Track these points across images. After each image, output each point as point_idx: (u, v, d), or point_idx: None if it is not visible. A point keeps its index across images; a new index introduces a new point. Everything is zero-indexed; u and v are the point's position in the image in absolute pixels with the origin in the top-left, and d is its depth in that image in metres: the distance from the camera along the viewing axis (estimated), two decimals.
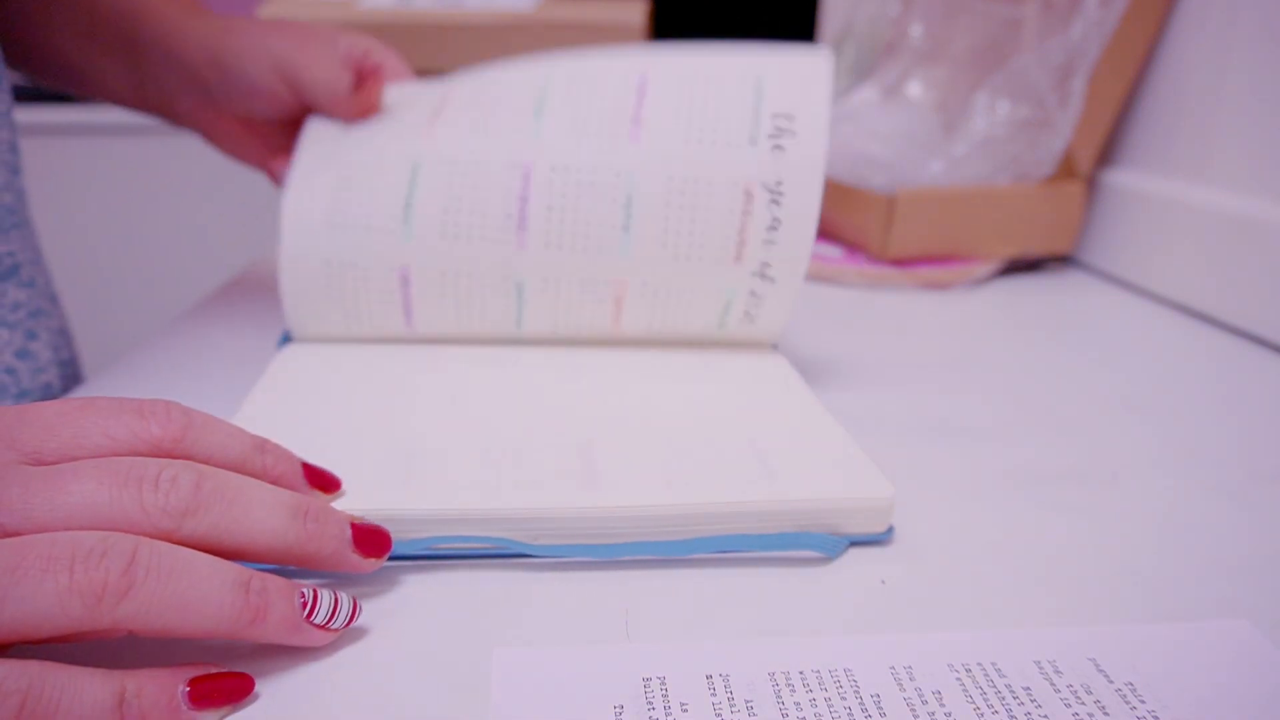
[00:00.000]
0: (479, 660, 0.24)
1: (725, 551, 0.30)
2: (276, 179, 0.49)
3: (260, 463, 0.27)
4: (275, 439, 0.33)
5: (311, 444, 0.32)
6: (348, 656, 0.25)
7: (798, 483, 0.31)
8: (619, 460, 0.32)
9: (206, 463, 0.25)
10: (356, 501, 0.29)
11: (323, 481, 0.29)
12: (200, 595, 0.22)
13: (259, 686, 0.23)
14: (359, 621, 0.25)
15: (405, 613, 0.26)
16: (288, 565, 0.25)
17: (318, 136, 0.44)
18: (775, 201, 0.39)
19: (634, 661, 0.24)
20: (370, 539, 0.26)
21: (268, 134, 0.49)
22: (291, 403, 0.36)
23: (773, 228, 0.39)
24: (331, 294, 0.41)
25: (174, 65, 0.47)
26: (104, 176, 1.59)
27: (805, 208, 0.39)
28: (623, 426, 0.35)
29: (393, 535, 0.29)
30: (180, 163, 1.57)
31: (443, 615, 0.26)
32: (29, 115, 1.45)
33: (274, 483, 0.27)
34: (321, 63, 0.44)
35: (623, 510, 0.29)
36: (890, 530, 0.31)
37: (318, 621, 0.24)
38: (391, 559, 0.29)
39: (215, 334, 0.49)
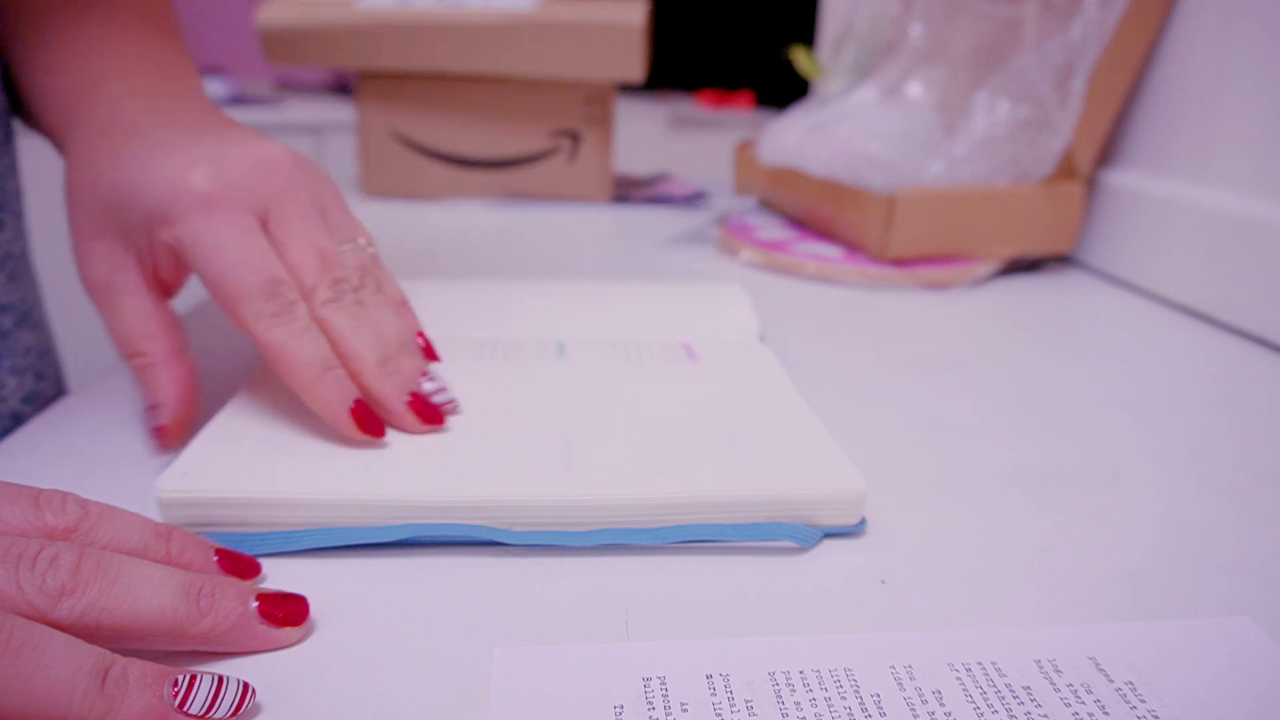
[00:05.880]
0: (479, 660, 0.24)
1: (698, 541, 0.30)
2: None
3: (164, 550, 0.26)
4: (257, 431, 0.33)
5: (294, 434, 0.34)
6: (347, 656, 0.25)
7: (768, 474, 0.32)
8: (596, 451, 0.33)
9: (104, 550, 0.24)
10: (335, 490, 0.30)
11: (238, 566, 0.27)
12: (48, 680, 0.20)
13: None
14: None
15: (404, 611, 0.26)
16: (187, 647, 0.24)
17: None
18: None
19: (634, 661, 0.24)
20: (280, 606, 0.25)
21: None
22: (276, 396, 0.37)
23: None
24: None
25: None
26: None
27: None
28: (603, 418, 0.36)
29: (369, 524, 0.29)
30: None
31: (442, 614, 0.26)
32: None
33: (183, 569, 0.26)
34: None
35: (596, 499, 0.30)
36: (863, 522, 0.31)
37: (193, 711, 0.22)
38: (365, 547, 0.29)
39: (215, 334, 0.49)
